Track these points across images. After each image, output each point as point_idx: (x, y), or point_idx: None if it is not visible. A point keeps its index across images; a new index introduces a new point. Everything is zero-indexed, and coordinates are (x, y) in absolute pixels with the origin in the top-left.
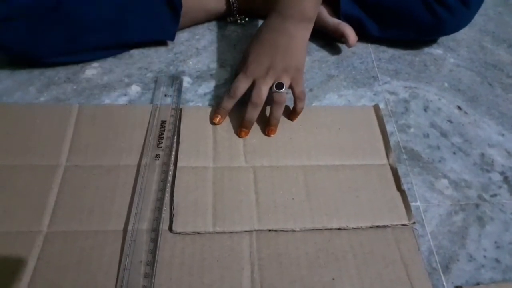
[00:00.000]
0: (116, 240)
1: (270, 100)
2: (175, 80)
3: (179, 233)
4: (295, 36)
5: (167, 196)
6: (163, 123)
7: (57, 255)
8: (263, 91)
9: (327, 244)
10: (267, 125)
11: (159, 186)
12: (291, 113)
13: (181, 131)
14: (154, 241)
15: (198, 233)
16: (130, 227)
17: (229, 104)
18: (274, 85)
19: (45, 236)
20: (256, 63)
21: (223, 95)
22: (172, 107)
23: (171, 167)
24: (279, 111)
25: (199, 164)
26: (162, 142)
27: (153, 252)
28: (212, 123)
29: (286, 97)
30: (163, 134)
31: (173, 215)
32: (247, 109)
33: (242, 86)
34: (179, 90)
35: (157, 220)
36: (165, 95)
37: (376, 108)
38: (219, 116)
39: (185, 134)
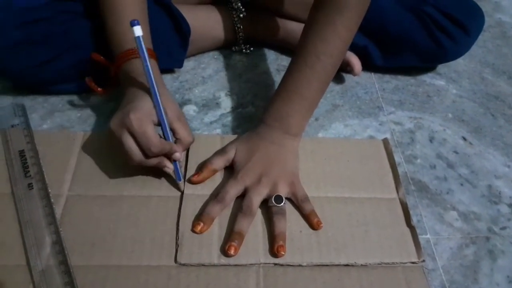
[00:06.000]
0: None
1: (268, 213)
2: (17, 108)
3: (184, 265)
4: (284, 145)
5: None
6: (21, 152)
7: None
8: (255, 202)
9: (336, 283)
10: (273, 242)
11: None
12: (308, 221)
13: (188, 159)
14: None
15: (203, 265)
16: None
17: (216, 210)
18: (273, 198)
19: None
20: (248, 170)
21: (210, 199)
22: (25, 134)
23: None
24: (283, 221)
25: (205, 192)
26: (29, 171)
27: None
28: (193, 231)
29: (286, 208)
30: (27, 162)
31: (177, 245)
32: (236, 220)
33: (232, 191)
34: (25, 116)
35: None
36: (12, 126)
37: (385, 141)
38: (202, 224)
39: (193, 160)
